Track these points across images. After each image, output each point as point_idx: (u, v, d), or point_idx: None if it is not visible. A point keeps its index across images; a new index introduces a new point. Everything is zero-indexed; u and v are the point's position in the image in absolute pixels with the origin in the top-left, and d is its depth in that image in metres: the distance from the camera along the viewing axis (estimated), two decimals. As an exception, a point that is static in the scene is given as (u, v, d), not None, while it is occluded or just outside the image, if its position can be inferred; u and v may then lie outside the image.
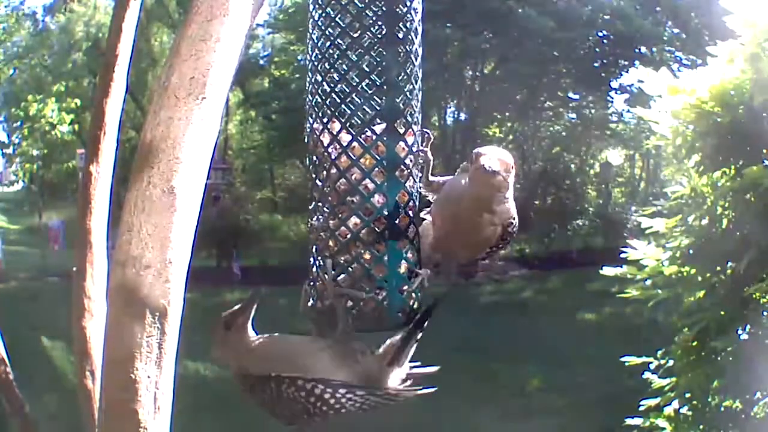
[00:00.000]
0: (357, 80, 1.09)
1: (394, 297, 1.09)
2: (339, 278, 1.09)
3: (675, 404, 2.56)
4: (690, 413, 2.51)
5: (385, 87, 1.09)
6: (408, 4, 1.10)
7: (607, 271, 2.69)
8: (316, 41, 1.11)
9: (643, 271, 2.61)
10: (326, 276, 1.08)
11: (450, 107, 16.28)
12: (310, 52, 1.13)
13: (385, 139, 1.08)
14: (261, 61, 19.04)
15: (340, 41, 1.10)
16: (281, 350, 1.10)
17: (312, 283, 1.13)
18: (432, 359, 1.17)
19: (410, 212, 1.11)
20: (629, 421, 2.64)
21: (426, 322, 1.11)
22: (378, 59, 1.10)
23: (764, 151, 2.39)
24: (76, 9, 18.57)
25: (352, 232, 1.08)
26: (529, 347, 7.57)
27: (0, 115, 19.61)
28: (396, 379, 1.09)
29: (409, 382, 1.12)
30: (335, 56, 1.10)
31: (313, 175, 1.13)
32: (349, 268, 1.09)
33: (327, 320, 1.08)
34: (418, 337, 1.11)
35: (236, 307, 1.10)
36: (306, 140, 1.14)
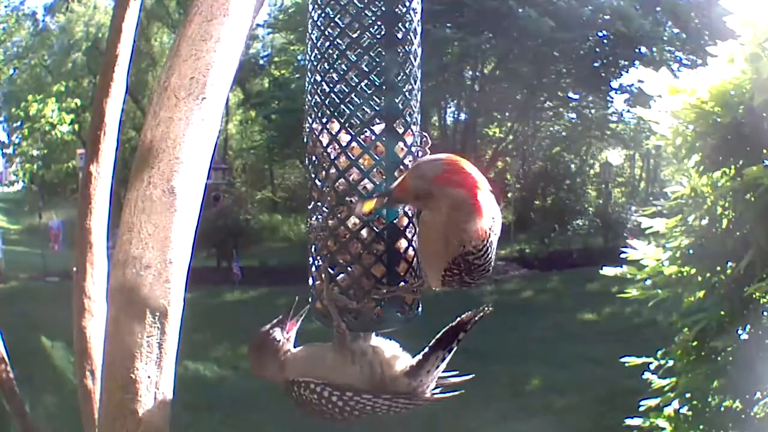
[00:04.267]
0: (356, 80, 1.09)
1: (392, 296, 1.09)
2: (338, 278, 1.09)
3: (675, 404, 2.55)
4: (690, 413, 2.51)
5: (384, 87, 1.09)
6: (407, 4, 1.09)
7: (607, 271, 2.68)
8: (315, 41, 1.11)
9: (643, 271, 2.61)
10: (323, 276, 1.07)
11: (450, 107, 16.30)
12: (309, 52, 1.13)
13: (384, 139, 1.08)
14: (261, 61, 19.09)
15: (340, 41, 1.10)
16: (302, 356, 1.11)
17: (312, 283, 1.13)
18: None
19: (409, 212, 1.11)
20: (629, 421, 2.63)
21: (458, 338, 1.09)
22: (377, 59, 1.09)
23: (764, 151, 2.38)
24: (76, 9, 18.61)
25: (351, 231, 1.08)
26: (529, 347, 7.57)
27: (0, 115, 19.63)
28: (414, 385, 1.08)
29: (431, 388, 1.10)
30: (334, 56, 1.09)
31: (312, 175, 1.12)
32: (348, 268, 1.08)
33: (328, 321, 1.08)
34: (447, 352, 1.09)
35: (275, 320, 1.11)
36: (305, 140, 1.13)
